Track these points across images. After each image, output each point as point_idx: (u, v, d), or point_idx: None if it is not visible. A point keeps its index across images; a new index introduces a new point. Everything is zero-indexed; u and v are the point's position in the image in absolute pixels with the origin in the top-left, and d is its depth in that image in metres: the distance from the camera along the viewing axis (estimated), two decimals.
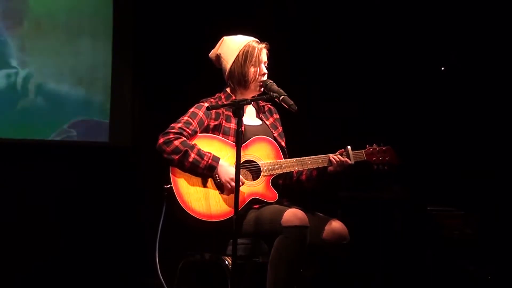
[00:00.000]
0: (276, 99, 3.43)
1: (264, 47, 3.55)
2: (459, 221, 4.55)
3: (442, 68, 4.88)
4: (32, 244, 4.68)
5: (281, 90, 3.45)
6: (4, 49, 4.72)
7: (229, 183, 3.31)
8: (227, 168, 3.34)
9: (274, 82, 3.52)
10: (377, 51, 5.04)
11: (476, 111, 4.80)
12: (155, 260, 3.36)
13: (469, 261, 4.45)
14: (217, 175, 3.36)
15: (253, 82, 3.52)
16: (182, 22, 5.07)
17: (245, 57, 3.51)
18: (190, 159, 3.31)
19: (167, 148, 3.32)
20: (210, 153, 3.36)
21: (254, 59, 3.51)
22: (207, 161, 3.33)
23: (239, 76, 3.52)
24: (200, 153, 3.34)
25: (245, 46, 3.52)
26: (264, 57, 3.54)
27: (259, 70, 3.52)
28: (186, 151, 3.31)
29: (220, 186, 3.37)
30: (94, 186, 4.91)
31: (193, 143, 3.38)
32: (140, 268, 4.64)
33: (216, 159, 3.35)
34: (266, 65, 3.55)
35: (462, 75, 4.83)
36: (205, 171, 3.33)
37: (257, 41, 3.56)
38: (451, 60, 4.82)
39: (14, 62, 4.75)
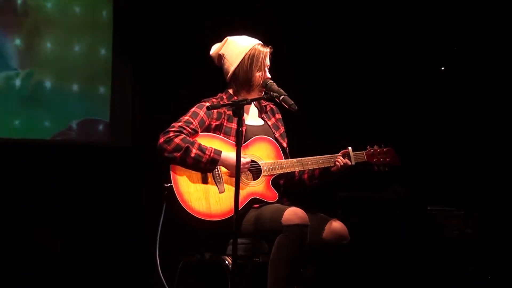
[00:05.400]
0: (276, 99, 3.44)
1: (268, 51, 3.55)
2: (459, 221, 4.55)
3: (442, 68, 4.88)
4: (32, 244, 4.68)
5: (281, 90, 3.46)
6: (4, 50, 4.72)
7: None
8: (232, 158, 3.32)
9: (274, 82, 3.52)
10: (378, 51, 5.04)
11: (476, 111, 4.80)
12: (155, 260, 3.37)
13: (469, 261, 4.45)
14: (218, 172, 3.36)
15: (257, 86, 3.52)
16: (182, 21, 5.07)
17: (250, 61, 3.50)
18: (192, 155, 3.32)
19: (168, 147, 3.32)
20: (211, 147, 3.36)
21: (259, 63, 3.51)
22: (209, 155, 3.34)
23: (243, 79, 3.52)
24: (201, 148, 3.34)
25: (250, 49, 3.51)
26: (268, 61, 3.54)
27: (263, 75, 3.52)
28: (188, 147, 3.32)
29: (221, 184, 3.37)
30: (94, 186, 4.90)
31: (193, 139, 3.38)
32: (140, 268, 4.64)
33: (218, 152, 3.36)
34: (268, 68, 3.55)
35: (462, 75, 4.83)
36: (208, 165, 3.34)
37: (262, 44, 3.56)
38: (452, 57, 4.82)
39: (14, 63, 4.74)
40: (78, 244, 4.83)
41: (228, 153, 3.38)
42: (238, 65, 3.52)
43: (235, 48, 3.54)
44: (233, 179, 3.26)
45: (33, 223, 4.70)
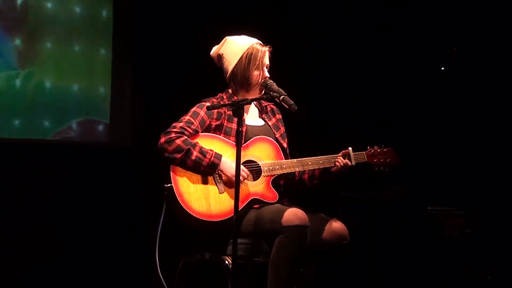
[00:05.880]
0: (276, 99, 3.44)
1: (267, 50, 3.54)
2: (459, 221, 4.55)
3: (442, 68, 4.88)
4: (32, 244, 4.68)
5: (281, 90, 3.46)
6: (4, 50, 4.71)
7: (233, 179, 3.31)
8: (230, 164, 3.34)
9: (274, 81, 3.52)
10: (378, 51, 5.04)
11: (476, 111, 4.80)
12: (155, 260, 3.37)
13: (469, 261, 4.45)
14: (218, 173, 3.37)
15: (256, 85, 3.52)
16: (182, 21, 5.07)
17: (248, 60, 3.50)
18: (193, 157, 3.32)
19: (169, 147, 3.33)
20: (212, 151, 3.36)
21: (257, 62, 3.50)
22: (210, 159, 3.34)
23: (241, 78, 3.52)
24: (202, 151, 3.34)
25: (248, 48, 3.51)
26: (267, 60, 3.54)
27: (262, 74, 3.51)
28: (189, 150, 3.32)
29: (221, 185, 3.37)
30: (94, 186, 4.90)
31: (194, 141, 3.38)
32: (140, 268, 4.64)
33: (218, 156, 3.36)
34: (268, 68, 3.55)
35: (462, 75, 4.83)
36: (208, 168, 3.34)
37: (261, 44, 3.56)
38: (452, 57, 4.82)
39: (14, 63, 4.74)
40: (78, 244, 4.83)
41: (227, 159, 3.38)
42: (236, 64, 3.52)
43: (233, 48, 3.54)
44: (233, 180, 3.27)
45: (33, 223, 4.69)
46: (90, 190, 4.90)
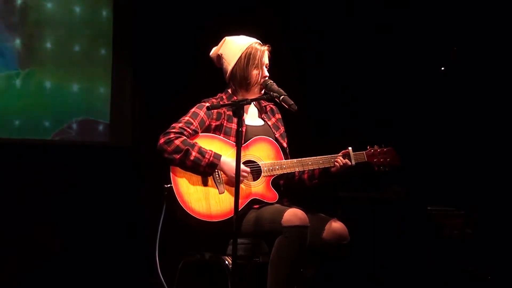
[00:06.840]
0: (276, 99, 3.44)
1: (267, 49, 3.54)
2: (459, 221, 4.55)
3: (442, 68, 4.88)
4: (32, 244, 4.68)
5: (281, 90, 3.46)
6: (4, 50, 4.71)
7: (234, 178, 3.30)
8: (230, 163, 3.34)
9: (274, 81, 3.52)
10: (378, 51, 5.04)
11: (475, 111, 4.80)
12: (155, 260, 3.37)
13: (469, 261, 4.45)
14: (218, 173, 3.37)
15: (255, 85, 3.52)
16: (183, 21, 5.07)
17: (247, 59, 3.50)
18: (192, 158, 3.32)
19: (168, 148, 3.32)
20: (211, 151, 3.36)
21: (256, 61, 3.50)
22: (209, 159, 3.33)
23: (241, 78, 3.52)
24: (201, 151, 3.34)
25: (247, 48, 3.51)
26: (266, 59, 3.54)
27: (261, 73, 3.51)
28: (187, 150, 3.32)
29: (221, 185, 3.37)
30: (94, 186, 4.90)
31: (194, 141, 3.38)
32: (140, 268, 4.65)
33: (218, 156, 3.36)
34: (267, 67, 3.55)
35: (462, 75, 4.83)
36: (207, 169, 3.34)
37: (260, 43, 3.56)
38: (452, 57, 4.82)
39: (14, 63, 4.74)
40: (78, 244, 4.83)
41: (227, 158, 3.38)
42: (235, 64, 3.52)
43: (232, 47, 3.54)
44: (233, 180, 3.27)
45: (33, 223, 4.69)
46: (90, 190, 4.90)
